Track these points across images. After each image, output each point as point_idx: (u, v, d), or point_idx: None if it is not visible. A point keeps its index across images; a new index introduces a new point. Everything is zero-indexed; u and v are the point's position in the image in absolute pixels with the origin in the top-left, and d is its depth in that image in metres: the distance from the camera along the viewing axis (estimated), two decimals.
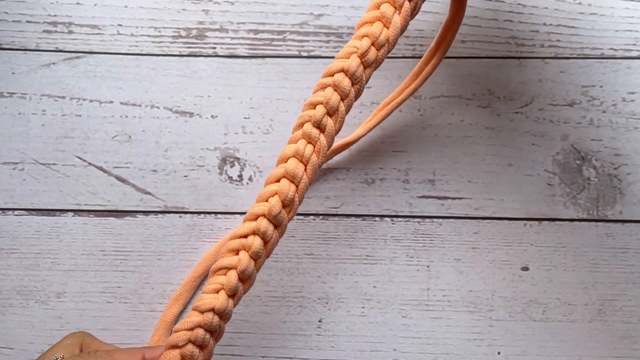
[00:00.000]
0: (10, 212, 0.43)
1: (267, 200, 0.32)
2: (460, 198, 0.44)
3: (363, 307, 0.42)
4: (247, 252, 0.31)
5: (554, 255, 0.43)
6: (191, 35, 0.45)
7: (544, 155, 0.44)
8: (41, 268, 0.43)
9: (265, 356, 0.42)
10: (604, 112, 0.44)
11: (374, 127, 0.42)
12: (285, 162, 0.32)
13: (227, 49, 0.45)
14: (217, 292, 0.31)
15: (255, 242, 0.31)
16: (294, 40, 0.45)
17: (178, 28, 0.45)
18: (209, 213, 0.43)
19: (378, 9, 0.33)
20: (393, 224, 0.43)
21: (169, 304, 0.42)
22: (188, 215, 0.43)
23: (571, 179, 0.43)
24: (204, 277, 0.42)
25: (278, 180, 0.32)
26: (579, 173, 0.44)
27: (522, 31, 0.45)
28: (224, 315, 0.31)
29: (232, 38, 0.45)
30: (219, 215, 0.43)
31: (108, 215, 0.43)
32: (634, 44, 0.44)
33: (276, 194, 0.32)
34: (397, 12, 0.33)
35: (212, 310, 0.30)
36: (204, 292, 0.31)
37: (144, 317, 0.42)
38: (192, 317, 0.30)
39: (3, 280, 0.42)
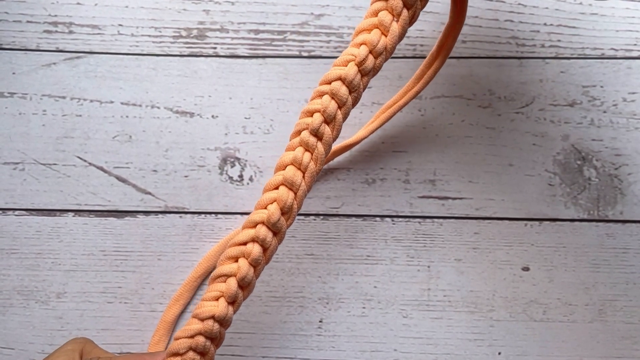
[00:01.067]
0: (10, 212, 0.43)
1: (265, 208, 0.32)
2: (460, 198, 0.44)
3: (364, 308, 0.42)
4: (247, 259, 0.31)
5: (555, 256, 0.43)
6: (192, 35, 0.45)
7: (544, 155, 0.44)
8: (41, 268, 0.43)
9: (265, 356, 0.42)
10: (605, 112, 0.44)
11: (376, 129, 0.42)
12: (284, 169, 0.32)
13: (228, 49, 0.45)
14: (217, 299, 0.31)
15: (255, 249, 0.31)
16: (294, 40, 0.45)
17: (179, 28, 0.45)
18: (210, 213, 0.43)
19: (376, 15, 0.33)
20: (394, 224, 0.43)
21: (170, 304, 0.42)
22: (188, 216, 0.43)
23: (572, 179, 0.43)
24: (204, 278, 0.42)
25: (276, 188, 0.32)
26: (580, 173, 0.43)
27: (523, 31, 0.45)
28: (224, 322, 0.31)
29: (233, 38, 0.45)
30: (219, 216, 0.43)
31: (108, 215, 0.43)
32: (635, 44, 0.44)
33: (275, 201, 0.31)
34: (395, 20, 0.33)
35: (213, 317, 0.30)
36: (203, 299, 0.31)
37: (144, 317, 0.42)
38: (193, 325, 0.30)
39: (3, 280, 0.42)
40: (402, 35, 0.33)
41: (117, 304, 0.42)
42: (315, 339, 0.42)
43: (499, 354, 0.42)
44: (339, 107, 0.32)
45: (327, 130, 0.32)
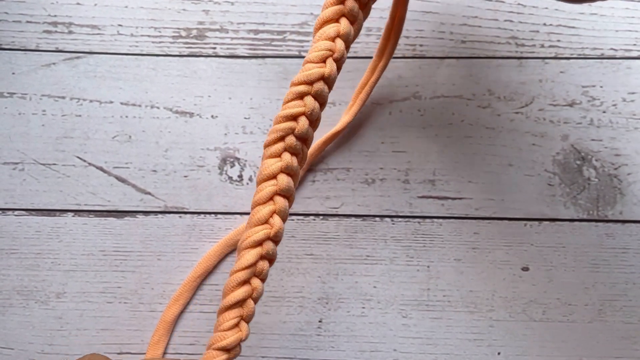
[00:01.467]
0: (10, 212, 0.43)
1: (267, 222, 0.31)
2: (460, 198, 0.44)
3: (363, 308, 0.42)
4: (258, 277, 0.31)
5: (554, 256, 0.43)
6: (191, 36, 0.45)
7: (544, 155, 0.44)
8: (41, 268, 0.43)
9: (265, 356, 0.42)
10: (604, 112, 0.44)
11: (358, 111, 0.42)
12: (275, 178, 0.31)
13: (227, 49, 0.45)
14: (237, 325, 0.30)
15: (265, 266, 0.31)
16: (294, 40, 0.45)
17: (178, 28, 0.45)
18: (209, 213, 0.43)
19: (340, 3, 0.31)
20: (393, 224, 0.43)
21: (169, 304, 0.42)
22: (188, 216, 0.43)
23: (571, 179, 0.43)
24: (204, 277, 0.42)
25: (271, 199, 0.31)
26: (579, 173, 0.43)
27: (522, 31, 0.45)
28: (244, 340, 0.31)
29: (232, 38, 0.45)
30: (219, 216, 0.43)
31: (108, 215, 0.43)
32: (634, 44, 0.44)
33: (274, 213, 0.31)
34: (360, 9, 0.32)
35: (239, 343, 0.30)
36: (223, 330, 0.30)
37: (144, 317, 0.42)
38: (219, 357, 0.30)
39: (3, 280, 0.42)
40: (364, 20, 0.32)
41: (117, 304, 0.42)
42: (315, 339, 0.42)
43: (499, 354, 0.42)
44: (321, 107, 0.32)
45: (310, 132, 0.32)
